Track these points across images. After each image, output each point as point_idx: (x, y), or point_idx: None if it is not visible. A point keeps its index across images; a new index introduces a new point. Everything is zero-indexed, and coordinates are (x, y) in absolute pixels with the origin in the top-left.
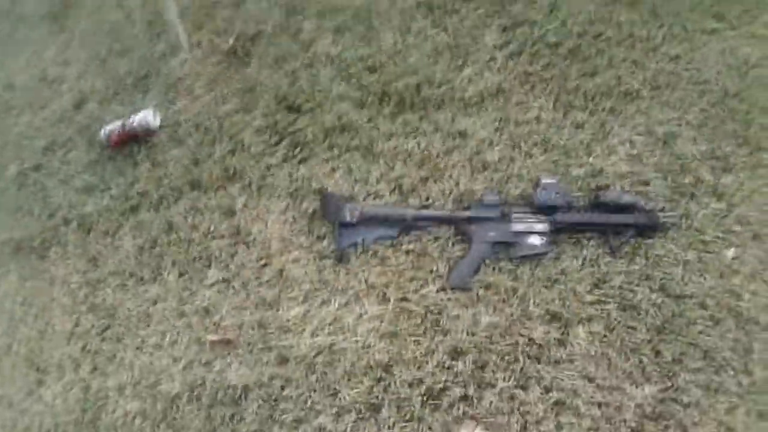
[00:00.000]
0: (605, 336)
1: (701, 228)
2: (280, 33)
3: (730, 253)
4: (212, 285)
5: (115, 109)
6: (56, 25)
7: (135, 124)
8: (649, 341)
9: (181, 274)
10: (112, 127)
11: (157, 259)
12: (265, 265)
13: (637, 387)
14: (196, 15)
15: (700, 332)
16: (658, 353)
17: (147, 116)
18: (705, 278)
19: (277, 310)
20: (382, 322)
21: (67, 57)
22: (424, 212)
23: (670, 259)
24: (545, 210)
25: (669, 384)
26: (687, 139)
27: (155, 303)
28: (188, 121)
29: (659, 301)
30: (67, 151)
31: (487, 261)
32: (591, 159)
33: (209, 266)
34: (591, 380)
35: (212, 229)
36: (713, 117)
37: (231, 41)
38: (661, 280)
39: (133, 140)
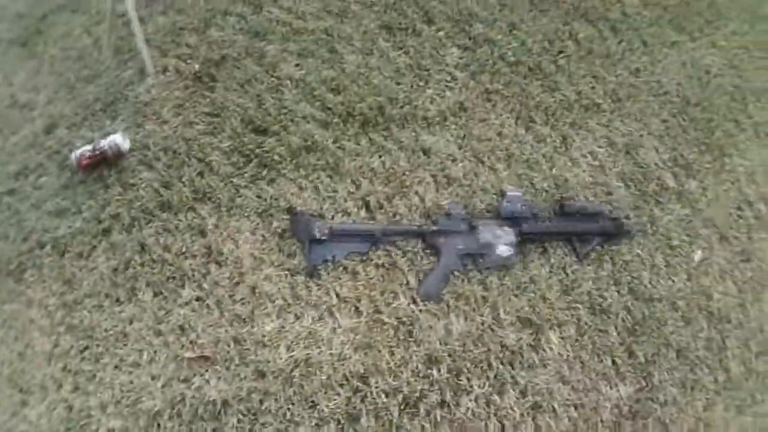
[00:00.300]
0: (577, 339)
1: (667, 233)
2: (244, 57)
3: (698, 255)
4: (187, 303)
5: (84, 134)
6: (25, 50)
7: (105, 147)
8: (622, 343)
9: (155, 294)
10: (82, 151)
11: (131, 279)
12: (237, 283)
13: (612, 387)
14: (162, 41)
15: (672, 332)
16: (631, 354)
17: (117, 140)
18: (674, 280)
19: (252, 326)
20: (356, 334)
21: (36, 83)
22: (393, 227)
23: (638, 264)
24: (511, 221)
25: (644, 383)
26: (649, 148)
27: (131, 322)
28: (157, 144)
29: (629, 304)
30: (39, 176)
31: (456, 272)
32: (554, 171)
33: (183, 286)
34: (566, 383)
35: (184, 249)
36: (675, 126)
37: (197, 66)
38: (629, 284)
39: (103, 164)
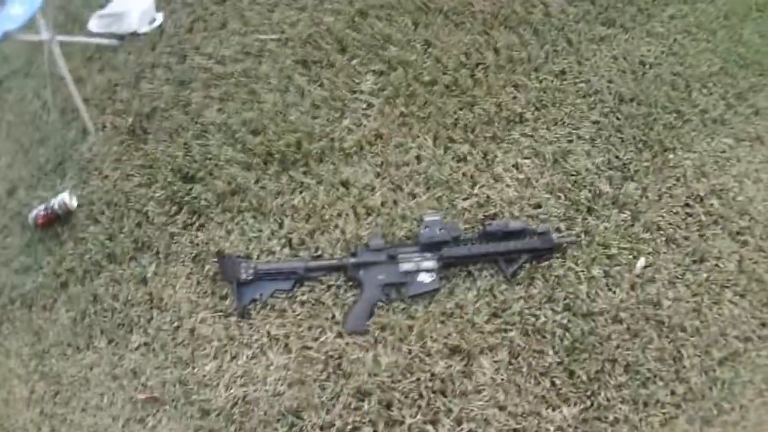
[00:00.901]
0: (511, 363)
1: (604, 242)
2: (172, 107)
3: (641, 262)
4: (136, 348)
5: (40, 195)
6: None
7: (55, 207)
8: (560, 363)
9: (109, 341)
10: (37, 211)
11: (88, 328)
12: (178, 327)
13: (554, 410)
14: (99, 98)
15: (618, 347)
16: (572, 374)
17: (65, 198)
18: (615, 292)
19: (194, 368)
20: (288, 370)
21: None
22: (314, 263)
23: (573, 278)
24: (431, 247)
25: (589, 403)
26: (580, 154)
27: (91, 368)
28: (100, 199)
29: (565, 321)
30: (5, 237)
31: (380, 303)
32: (476, 190)
33: (131, 332)
34: (502, 408)
35: (130, 297)
36: (607, 127)
37: (130, 120)
38: (564, 300)
39: (56, 221)
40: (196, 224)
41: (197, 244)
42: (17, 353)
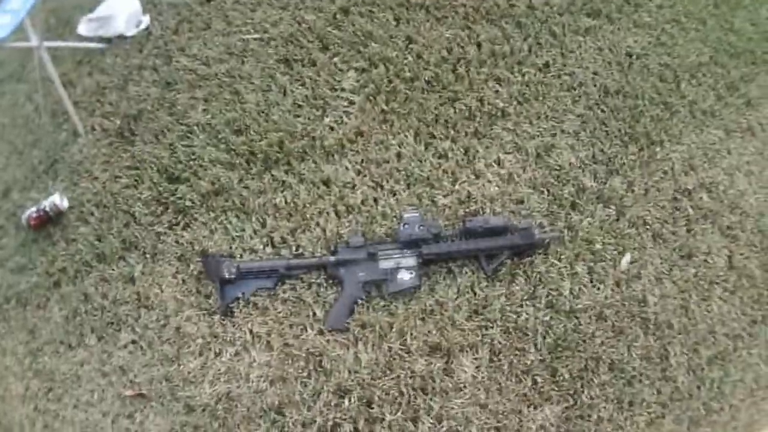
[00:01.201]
0: (492, 361)
1: (588, 237)
2: (158, 109)
3: (626, 258)
4: (125, 346)
5: (33, 196)
6: None
7: (47, 208)
8: (542, 361)
9: (99, 339)
10: (30, 212)
11: (79, 326)
12: (164, 325)
13: (535, 408)
14: (88, 101)
15: (602, 345)
16: (554, 372)
17: (55, 200)
18: (599, 289)
19: (179, 365)
20: (270, 367)
21: None
22: (295, 261)
23: (555, 275)
24: (411, 244)
25: (572, 402)
26: (563, 148)
27: (82, 365)
28: (90, 200)
29: (548, 319)
30: (0, 237)
31: (360, 301)
32: (457, 186)
33: (120, 330)
34: (483, 407)
35: (118, 296)
36: (592, 120)
37: (118, 122)
38: (547, 297)
39: (49, 222)
40: (182, 224)
41: (182, 244)
42: (13, 351)
